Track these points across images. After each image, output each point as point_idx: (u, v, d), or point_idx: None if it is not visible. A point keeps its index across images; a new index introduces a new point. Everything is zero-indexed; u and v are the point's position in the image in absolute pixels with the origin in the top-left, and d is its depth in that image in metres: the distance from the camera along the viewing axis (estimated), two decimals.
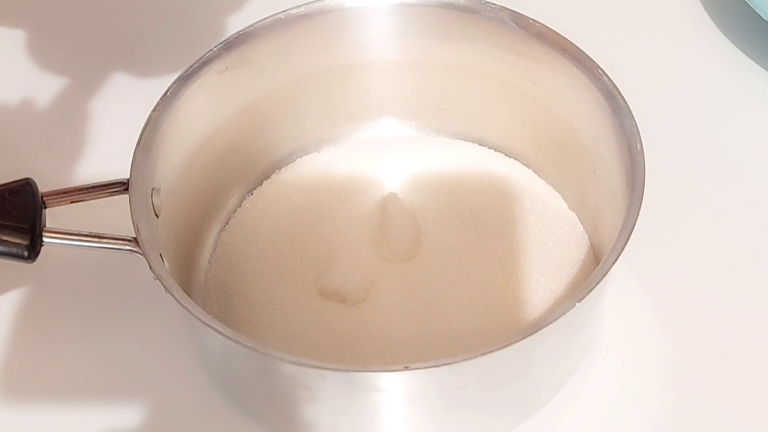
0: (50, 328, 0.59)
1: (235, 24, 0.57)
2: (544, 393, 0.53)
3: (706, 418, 0.54)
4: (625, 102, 0.52)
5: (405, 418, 0.49)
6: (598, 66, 0.54)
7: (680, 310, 0.58)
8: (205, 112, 0.56)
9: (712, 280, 0.59)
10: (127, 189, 0.50)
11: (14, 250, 0.48)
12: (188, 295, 0.47)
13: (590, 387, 0.55)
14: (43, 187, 0.50)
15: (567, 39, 0.56)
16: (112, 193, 0.51)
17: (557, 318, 0.45)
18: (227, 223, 0.61)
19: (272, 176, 0.62)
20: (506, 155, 0.62)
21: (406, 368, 0.44)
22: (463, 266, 0.57)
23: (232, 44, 0.56)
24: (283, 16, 0.57)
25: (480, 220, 0.58)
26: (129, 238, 0.49)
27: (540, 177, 0.61)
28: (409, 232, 0.58)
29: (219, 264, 0.59)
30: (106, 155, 0.61)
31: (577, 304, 0.45)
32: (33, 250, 0.48)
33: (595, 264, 0.57)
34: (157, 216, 0.52)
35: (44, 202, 0.49)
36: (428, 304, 0.55)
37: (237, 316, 0.56)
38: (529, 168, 0.62)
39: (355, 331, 0.54)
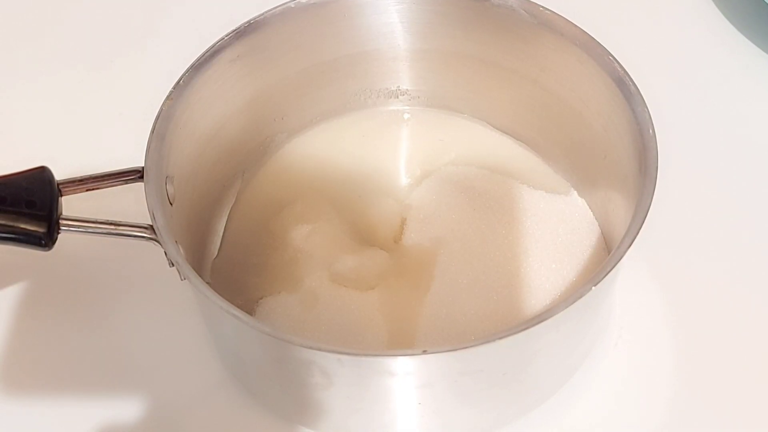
0: (62, 317, 0.59)
1: (247, 13, 0.57)
2: (557, 378, 0.54)
3: (716, 404, 0.55)
4: (636, 87, 0.52)
5: (421, 403, 0.49)
6: (609, 52, 0.54)
7: (691, 298, 0.59)
8: (217, 101, 0.57)
9: (724, 266, 0.60)
10: (141, 177, 0.50)
11: (32, 237, 0.48)
12: None
13: (602, 372, 0.56)
14: (57, 176, 0.50)
15: (576, 26, 0.56)
16: (127, 181, 0.51)
17: (574, 302, 0.45)
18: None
19: (282, 162, 0.62)
20: (516, 142, 0.63)
21: (425, 352, 0.44)
22: (474, 253, 0.57)
23: (243, 33, 0.56)
24: (293, 5, 0.58)
25: (491, 207, 0.59)
26: (145, 225, 0.49)
27: (550, 164, 0.62)
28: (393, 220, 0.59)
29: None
30: (119, 144, 0.62)
31: (593, 287, 0.45)
32: (50, 237, 0.48)
33: (606, 250, 0.57)
34: (171, 204, 0.52)
35: (60, 190, 0.49)
36: (440, 291, 0.55)
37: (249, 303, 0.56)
38: (539, 155, 0.62)
39: (367, 317, 0.55)
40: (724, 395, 0.55)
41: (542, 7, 0.56)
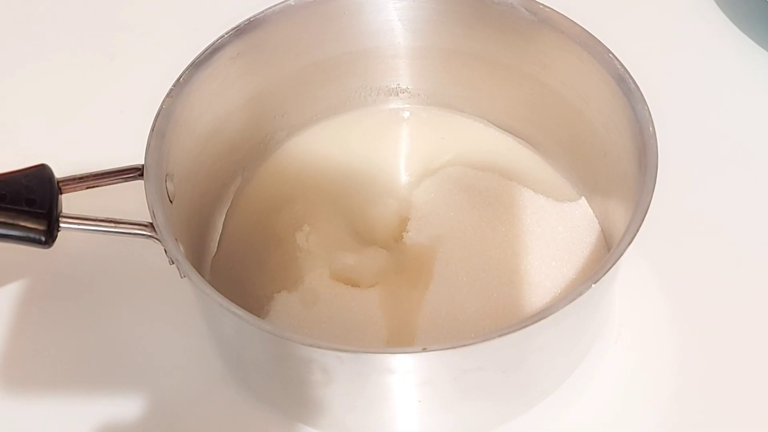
0: (62, 315, 0.59)
1: (247, 10, 0.57)
2: (557, 375, 0.54)
3: (715, 401, 0.55)
4: (636, 85, 0.52)
5: (421, 400, 0.49)
6: (609, 50, 0.54)
7: (691, 295, 0.58)
8: (217, 98, 0.57)
9: (723, 264, 0.60)
10: (141, 175, 0.50)
11: (32, 235, 0.48)
12: None
13: (602, 369, 0.56)
14: (57, 173, 0.50)
15: (576, 23, 0.56)
16: (127, 179, 0.51)
17: (574, 299, 0.45)
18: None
19: (282, 159, 0.62)
20: (516, 140, 0.63)
21: (424, 350, 0.44)
22: (474, 250, 0.57)
23: (243, 30, 0.56)
24: (293, 3, 0.58)
25: (490, 206, 0.59)
26: (145, 223, 0.49)
27: (550, 162, 0.62)
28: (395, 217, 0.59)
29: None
30: (119, 142, 0.62)
31: (593, 285, 0.45)
32: (50, 235, 0.48)
33: (605, 249, 0.57)
34: (171, 202, 0.52)
35: (60, 188, 0.49)
36: (440, 289, 0.55)
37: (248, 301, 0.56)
38: (539, 153, 0.62)
39: (367, 315, 0.55)
40: (724, 392, 0.55)
41: (542, 4, 0.57)
